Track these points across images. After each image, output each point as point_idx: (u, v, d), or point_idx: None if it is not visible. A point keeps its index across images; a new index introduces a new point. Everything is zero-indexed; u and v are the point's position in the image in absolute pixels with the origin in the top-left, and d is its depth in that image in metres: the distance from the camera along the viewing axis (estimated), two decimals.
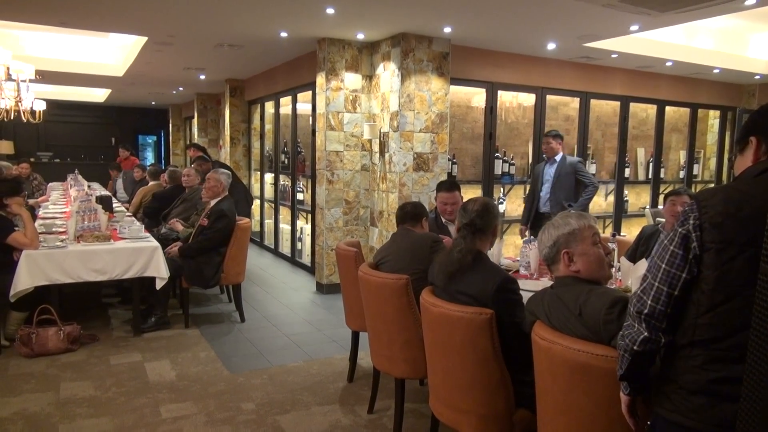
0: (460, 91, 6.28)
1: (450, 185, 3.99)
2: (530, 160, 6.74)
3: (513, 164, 6.62)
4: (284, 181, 8.08)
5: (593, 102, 7.07)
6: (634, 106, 7.47)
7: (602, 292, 1.85)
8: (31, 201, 7.42)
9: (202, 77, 9.05)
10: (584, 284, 1.94)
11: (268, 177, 8.83)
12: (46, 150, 14.44)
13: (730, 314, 1.38)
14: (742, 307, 1.35)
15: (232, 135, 9.56)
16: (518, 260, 3.72)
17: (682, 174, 8.19)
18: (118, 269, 4.35)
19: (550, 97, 6.73)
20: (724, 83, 7.99)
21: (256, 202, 9.26)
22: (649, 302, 1.49)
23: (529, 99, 6.71)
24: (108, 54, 8.47)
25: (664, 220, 3.91)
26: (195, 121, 11.53)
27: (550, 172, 5.43)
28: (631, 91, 7.23)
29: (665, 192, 3.82)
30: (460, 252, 2.35)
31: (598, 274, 2.00)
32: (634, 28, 5.09)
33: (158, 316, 4.71)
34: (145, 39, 6.32)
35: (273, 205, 8.49)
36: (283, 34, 5.77)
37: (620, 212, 7.52)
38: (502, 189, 6.70)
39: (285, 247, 8.07)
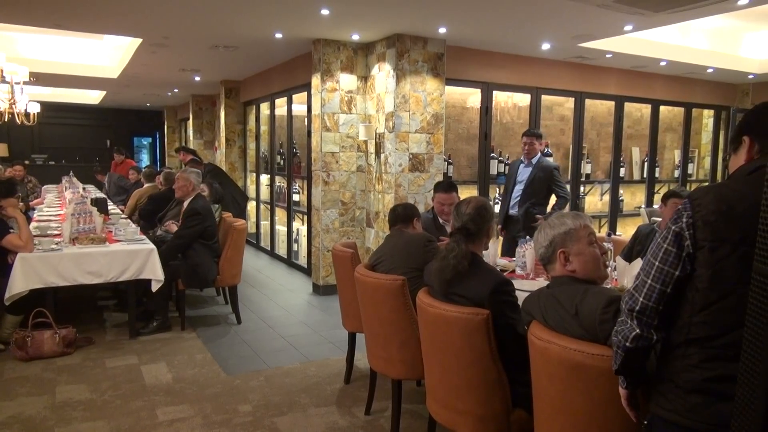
0: (455, 92, 6.29)
1: (447, 186, 4.01)
2: None
3: (508, 164, 6.62)
4: (280, 182, 8.07)
5: (588, 102, 7.09)
6: (628, 106, 7.49)
7: (598, 292, 1.86)
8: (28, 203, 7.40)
9: (198, 79, 9.04)
10: (580, 284, 1.95)
11: (264, 178, 8.82)
12: (41, 152, 14.39)
13: (725, 312, 1.39)
14: (736, 305, 1.36)
15: (228, 136, 9.54)
16: (514, 260, 3.73)
17: (676, 173, 8.22)
18: (114, 272, 4.34)
19: (545, 97, 6.75)
20: (718, 83, 8.02)
21: (252, 204, 9.26)
22: (641, 299, 1.49)
23: (524, 99, 6.73)
24: (102, 56, 8.45)
25: (660, 219, 3.93)
26: (190, 122, 11.51)
27: (525, 172, 5.17)
28: (626, 91, 7.25)
29: (663, 193, 3.82)
30: (455, 258, 2.34)
31: (594, 274, 2.01)
32: (628, 28, 5.10)
33: (159, 320, 4.69)
34: (139, 41, 6.31)
35: (269, 206, 8.48)
36: (278, 35, 5.77)
37: (615, 212, 7.54)
38: (497, 189, 6.71)
39: (281, 249, 8.06)
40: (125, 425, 3.13)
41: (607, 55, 6.27)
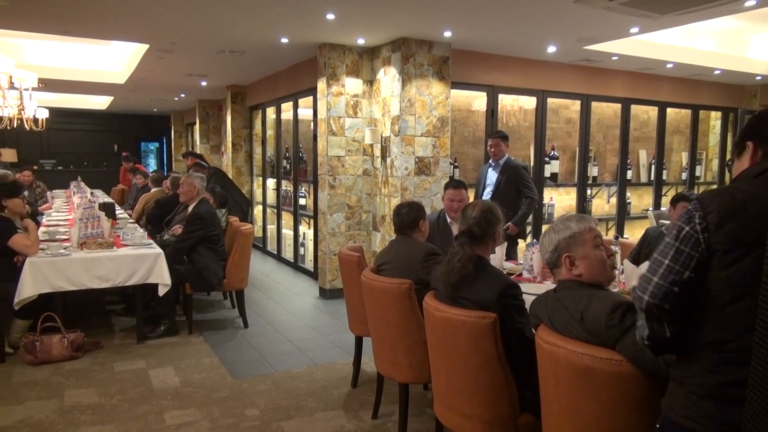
0: (461, 95, 6.29)
1: (457, 183, 4.07)
2: (532, 163, 6.74)
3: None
4: (286, 186, 8.09)
5: (594, 104, 7.07)
6: (635, 108, 7.47)
7: (604, 297, 1.85)
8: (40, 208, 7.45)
9: (204, 84, 9.08)
10: (586, 288, 1.94)
11: (271, 182, 8.84)
12: (49, 158, 14.50)
13: (739, 315, 1.37)
14: (750, 307, 1.33)
15: (234, 141, 9.58)
16: (521, 263, 3.72)
17: (684, 176, 8.18)
18: (122, 276, 4.36)
19: (551, 100, 6.74)
20: (726, 84, 7.98)
21: (259, 208, 9.28)
22: (646, 298, 1.47)
23: (530, 102, 6.72)
24: (110, 61, 8.51)
25: (668, 222, 3.91)
26: (197, 127, 11.56)
27: (493, 175, 5.05)
28: (632, 93, 7.23)
29: (673, 195, 3.81)
30: (460, 261, 2.34)
31: (600, 277, 2.00)
32: (634, 30, 5.09)
33: (167, 324, 4.71)
34: (147, 46, 6.35)
35: (275, 210, 8.50)
36: (284, 40, 5.79)
37: (623, 214, 7.51)
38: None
39: (288, 253, 8.07)
40: (133, 429, 3.14)
41: (613, 58, 6.25)
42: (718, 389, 1.39)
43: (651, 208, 7.68)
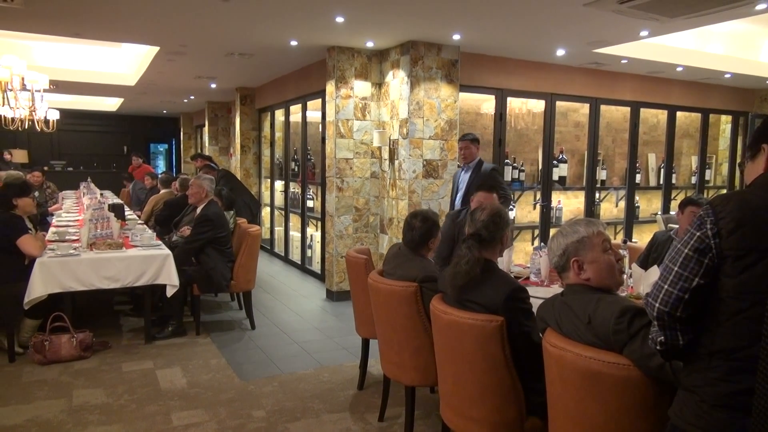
0: (469, 98, 6.29)
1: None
2: (540, 167, 6.73)
3: (523, 170, 6.60)
4: (294, 188, 8.11)
5: (603, 108, 7.04)
6: (644, 112, 7.43)
7: (612, 301, 1.84)
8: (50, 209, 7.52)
9: (213, 86, 9.13)
10: (594, 292, 1.93)
11: (279, 184, 8.87)
12: (60, 158, 14.62)
13: (751, 322, 1.34)
14: (762, 315, 1.31)
15: (243, 143, 9.62)
16: (528, 267, 3.71)
17: (693, 179, 8.13)
18: (131, 277, 4.38)
19: (559, 103, 6.72)
20: (736, 88, 7.93)
21: (266, 210, 9.31)
22: (657, 305, 1.46)
23: (538, 105, 6.70)
24: (120, 64, 8.57)
25: (676, 226, 3.89)
26: (206, 129, 11.62)
27: (465, 179, 4.92)
28: (642, 97, 7.20)
29: (681, 199, 3.78)
30: (468, 264, 2.33)
31: (608, 281, 1.99)
32: (643, 33, 5.07)
33: (174, 325, 4.73)
34: (157, 49, 6.40)
35: (283, 212, 8.52)
36: (294, 43, 5.82)
37: (631, 218, 7.47)
38: (511, 195, 6.68)
39: (295, 255, 8.09)
40: (140, 429, 3.15)
41: (623, 61, 6.23)
42: (731, 398, 1.37)
43: (660, 212, 7.63)
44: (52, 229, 5.58)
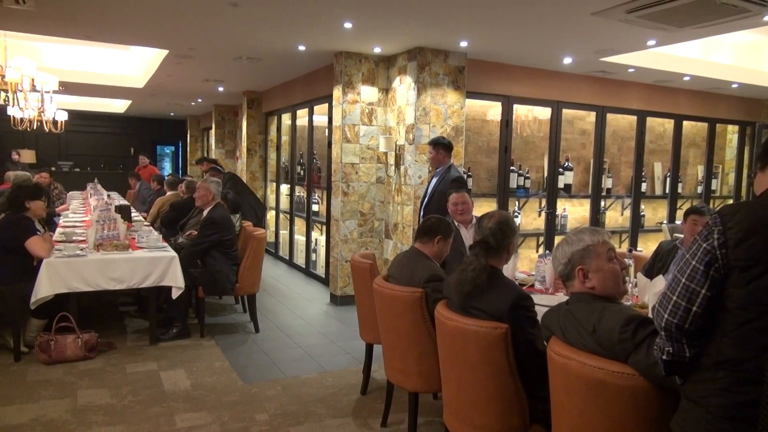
0: (475, 105, 6.30)
1: (459, 186, 4.14)
2: (545, 174, 6.73)
3: (528, 178, 6.61)
4: (300, 192, 8.13)
5: (609, 116, 7.04)
6: (651, 121, 7.43)
7: (616, 310, 1.84)
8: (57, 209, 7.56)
9: (221, 89, 9.18)
10: (599, 301, 1.94)
11: (284, 188, 8.90)
12: (67, 159, 14.71)
13: (757, 333, 1.34)
14: None
15: (249, 146, 9.66)
16: (533, 274, 3.71)
17: (699, 189, 8.12)
18: (136, 278, 4.41)
19: (565, 111, 6.72)
20: (743, 98, 7.92)
21: (272, 213, 9.33)
22: (665, 316, 1.45)
23: (544, 113, 6.71)
24: (129, 66, 8.63)
25: (682, 236, 3.88)
26: (212, 132, 11.68)
27: (431, 185, 4.83)
28: (648, 106, 7.20)
29: (686, 208, 3.78)
30: (474, 271, 2.34)
31: (613, 290, 1.99)
32: (651, 42, 5.08)
33: (179, 327, 4.75)
34: (166, 52, 6.45)
35: (288, 216, 8.55)
36: (301, 48, 5.85)
37: (637, 227, 7.46)
38: (517, 202, 6.69)
39: (300, 258, 8.10)
40: (144, 430, 3.17)
41: (630, 70, 6.23)
42: (736, 409, 1.36)
43: (665, 221, 7.62)
44: (59, 230, 5.62)
